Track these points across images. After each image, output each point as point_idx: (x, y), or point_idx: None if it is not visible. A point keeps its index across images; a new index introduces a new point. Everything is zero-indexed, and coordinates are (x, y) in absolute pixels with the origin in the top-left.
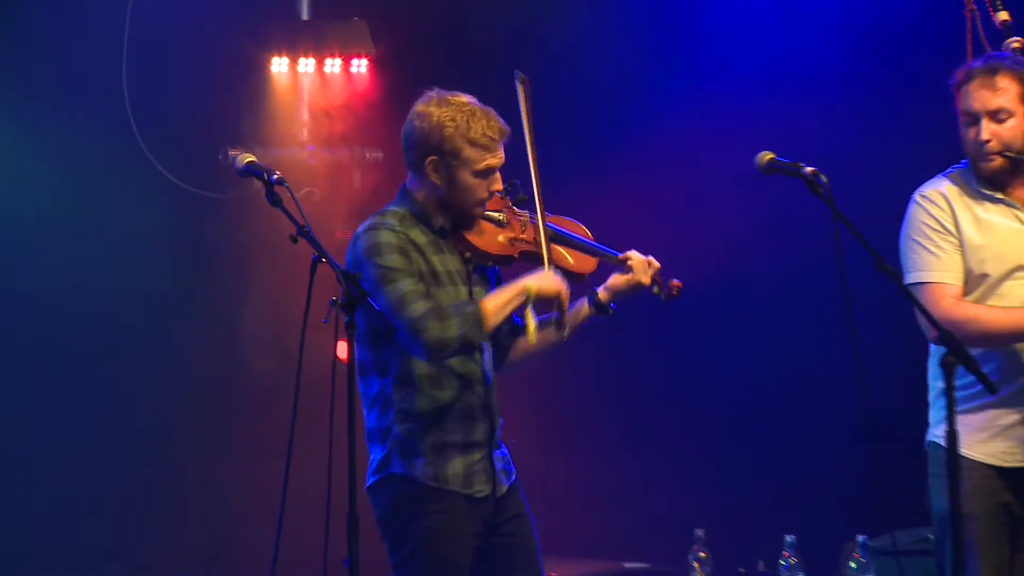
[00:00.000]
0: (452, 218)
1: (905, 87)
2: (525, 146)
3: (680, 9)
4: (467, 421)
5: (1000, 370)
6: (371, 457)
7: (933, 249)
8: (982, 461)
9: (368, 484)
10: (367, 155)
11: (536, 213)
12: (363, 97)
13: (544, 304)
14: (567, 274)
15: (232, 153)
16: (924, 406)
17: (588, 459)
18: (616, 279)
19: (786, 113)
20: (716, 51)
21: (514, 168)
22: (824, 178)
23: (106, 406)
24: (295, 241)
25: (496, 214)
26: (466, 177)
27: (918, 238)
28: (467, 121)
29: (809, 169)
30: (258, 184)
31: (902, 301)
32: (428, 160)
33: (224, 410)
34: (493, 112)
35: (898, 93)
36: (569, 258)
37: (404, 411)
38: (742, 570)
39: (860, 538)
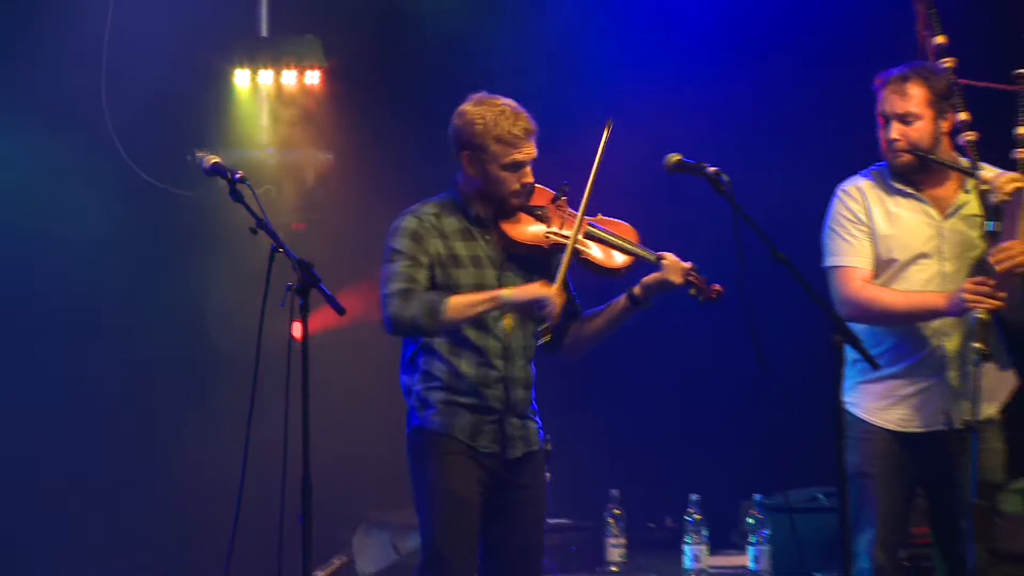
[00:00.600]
0: (493, 208)
1: (841, 92)
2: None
3: (611, 12)
4: (480, 387)
5: (899, 345)
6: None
7: (847, 237)
8: (883, 427)
9: (408, 431)
10: (319, 156)
11: (578, 215)
12: (316, 105)
13: (525, 311)
14: (595, 267)
15: (199, 154)
16: (814, 379)
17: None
18: (649, 277)
19: (710, 115)
20: (637, 47)
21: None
22: (726, 177)
23: (81, 389)
24: (255, 233)
25: (537, 209)
26: (495, 170)
27: (835, 227)
28: (495, 119)
29: (712, 169)
30: (222, 182)
31: (795, 283)
32: (463, 154)
33: (190, 385)
34: (524, 112)
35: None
36: (600, 253)
37: (425, 373)
38: (652, 525)
39: (757, 497)
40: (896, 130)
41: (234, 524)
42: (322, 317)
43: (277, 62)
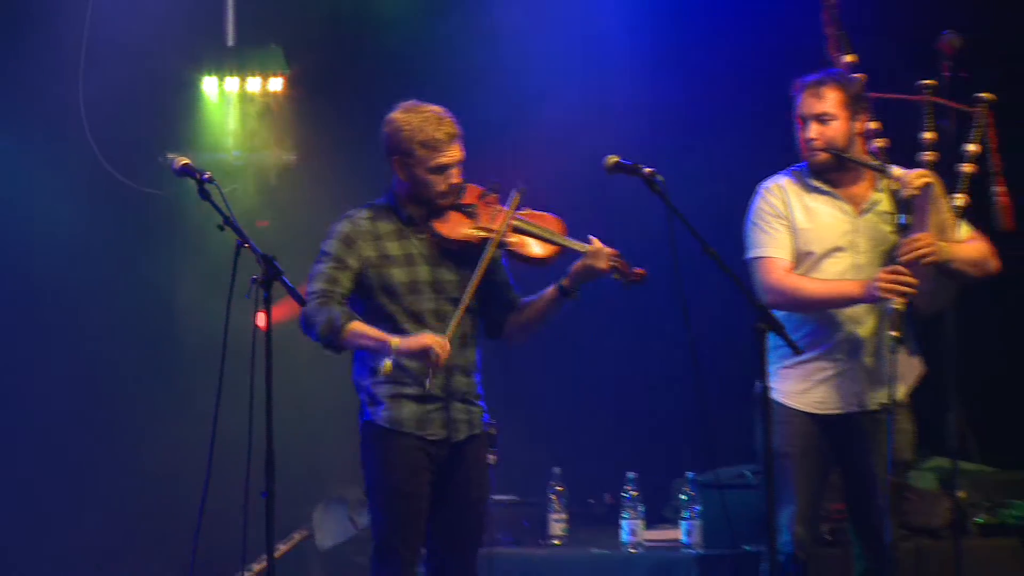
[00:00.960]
0: (424, 209)
1: (760, 97)
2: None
3: (542, 17)
4: (422, 377)
5: (816, 332)
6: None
7: (769, 230)
8: (801, 410)
9: (359, 423)
10: (282, 158)
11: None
12: (279, 109)
13: (413, 359)
14: (524, 259)
15: (170, 156)
16: (740, 363)
17: None
18: (576, 265)
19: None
20: (567, 49)
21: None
22: (660, 177)
23: (57, 377)
24: (222, 229)
25: (468, 207)
26: (422, 173)
27: (758, 222)
28: (420, 125)
29: (648, 170)
30: (191, 182)
31: (724, 276)
32: (393, 159)
33: (161, 371)
34: (448, 117)
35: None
36: (532, 245)
37: (372, 368)
38: (591, 501)
39: (689, 474)
40: (814, 130)
41: (202, 501)
42: (284, 307)
43: (242, 70)
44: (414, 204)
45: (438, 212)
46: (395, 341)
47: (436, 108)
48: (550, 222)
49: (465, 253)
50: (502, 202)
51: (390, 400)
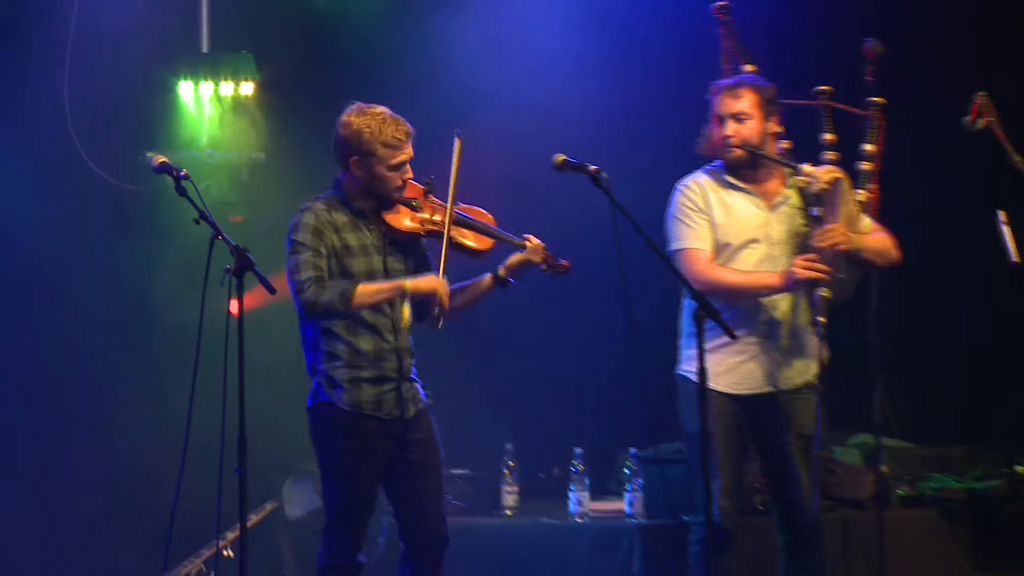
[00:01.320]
0: (375, 202)
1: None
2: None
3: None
4: (378, 361)
5: (734, 317)
6: (312, 385)
7: (690, 224)
8: (721, 391)
9: (307, 406)
10: (252, 156)
11: (447, 203)
12: (250, 112)
13: (423, 299)
14: (467, 250)
15: (149, 155)
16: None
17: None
18: (512, 258)
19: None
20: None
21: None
22: (605, 175)
23: (41, 360)
24: (198, 223)
25: (412, 200)
26: (382, 171)
27: (679, 216)
28: (380, 127)
29: (593, 167)
30: (169, 179)
31: (663, 267)
32: (352, 159)
33: (141, 354)
34: (401, 119)
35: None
36: (470, 238)
37: (328, 353)
38: (542, 475)
39: (632, 450)
40: (730, 128)
41: (179, 476)
42: (256, 296)
43: (216, 75)
44: (365, 198)
45: (387, 206)
46: (407, 283)
47: (385, 109)
48: (484, 216)
49: (410, 243)
50: (438, 196)
51: (349, 384)
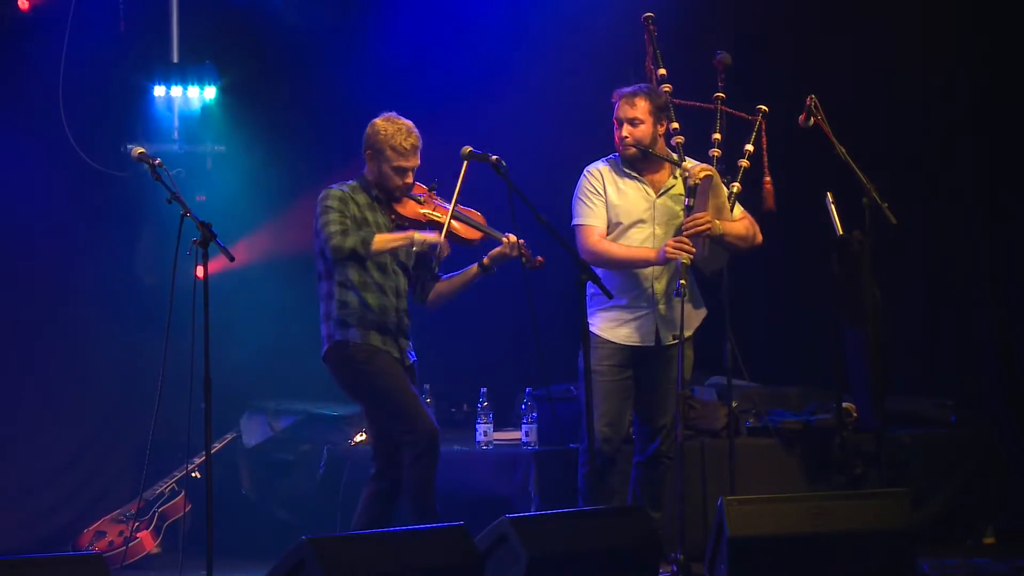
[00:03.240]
0: (385, 193)
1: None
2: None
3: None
4: (383, 313)
5: (623, 284)
6: (322, 334)
7: (588, 204)
8: (612, 340)
9: (323, 350)
10: (215, 148)
11: (450, 204)
12: (212, 111)
13: (426, 247)
14: (459, 239)
15: (129, 146)
16: (569, 306)
17: None
18: (496, 251)
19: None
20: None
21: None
22: (503, 163)
23: (31, 321)
24: (169, 203)
25: (419, 196)
26: (387, 169)
27: (581, 197)
28: (394, 133)
29: (494, 157)
30: (146, 166)
31: (554, 239)
32: (367, 152)
33: (122, 310)
34: (416, 132)
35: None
36: (461, 230)
37: (341, 302)
38: (453, 410)
39: (527, 389)
40: (626, 130)
41: (156, 409)
42: (217, 262)
43: (184, 80)
44: (379, 188)
45: (393, 199)
46: (415, 236)
47: (408, 123)
48: (477, 215)
49: (413, 229)
50: (440, 195)
51: (360, 327)
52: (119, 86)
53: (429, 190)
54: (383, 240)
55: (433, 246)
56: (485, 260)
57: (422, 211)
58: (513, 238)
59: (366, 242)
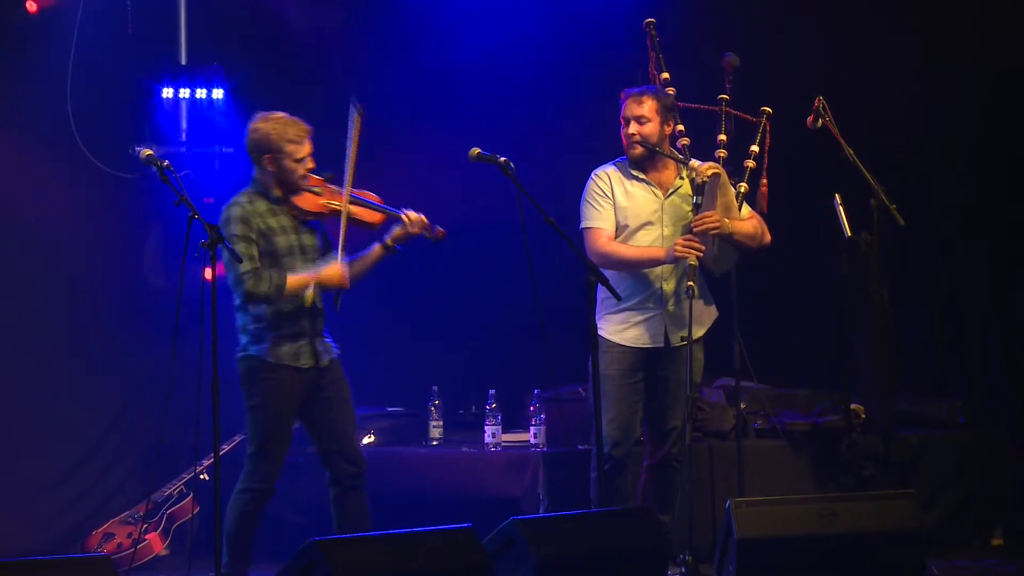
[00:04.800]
0: (285, 190)
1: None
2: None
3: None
4: (295, 321)
5: (632, 286)
6: (241, 342)
7: (597, 207)
8: (620, 343)
9: (236, 358)
10: (222, 149)
11: (344, 189)
12: (221, 113)
13: (332, 285)
14: (362, 224)
15: (137, 148)
16: (578, 309)
17: (371, 344)
18: (397, 230)
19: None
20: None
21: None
22: (511, 165)
23: (42, 319)
24: (178, 205)
25: (315, 188)
26: (291, 163)
27: (589, 200)
28: (284, 128)
29: (502, 159)
30: (154, 168)
31: (562, 241)
32: (265, 157)
33: (132, 311)
34: (299, 119)
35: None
36: (363, 214)
37: (255, 315)
38: (461, 411)
39: (536, 391)
40: (633, 128)
41: (163, 411)
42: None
43: (192, 82)
44: (278, 188)
45: (295, 192)
46: (322, 277)
47: (284, 114)
48: (373, 196)
49: (316, 223)
50: (336, 184)
51: (273, 341)
52: (127, 88)
53: (324, 181)
54: (293, 284)
55: (339, 283)
56: (388, 240)
57: (322, 202)
58: (413, 215)
59: (280, 288)
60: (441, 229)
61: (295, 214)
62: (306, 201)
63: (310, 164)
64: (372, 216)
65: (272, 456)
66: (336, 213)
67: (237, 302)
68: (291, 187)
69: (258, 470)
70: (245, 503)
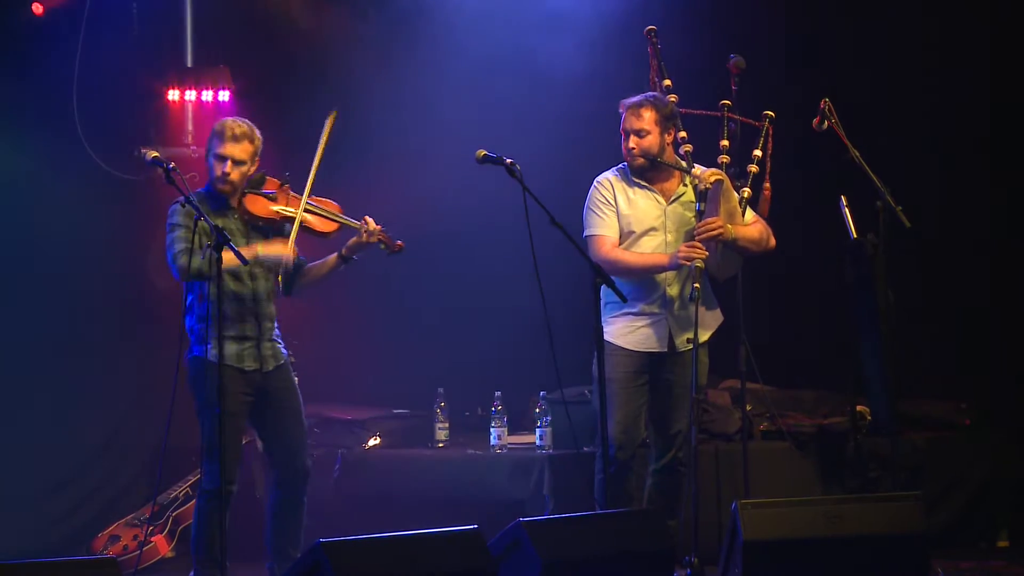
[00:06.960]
0: (217, 189)
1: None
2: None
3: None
4: (239, 322)
5: (637, 291)
6: (188, 343)
7: (600, 214)
8: (625, 347)
9: (184, 359)
10: None
11: (302, 196)
12: (226, 115)
13: (271, 262)
14: (315, 233)
15: (143, 150)
16: (583, 311)
17: (377, 346)
18: (352, 240)
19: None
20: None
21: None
22: (518, 167)
23: (48, 318)
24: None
25: (269, 192)
26: (209, 158)
27: (592, 207)
28: (219, 127)
29: (508, 160)
30: (160, 170)
31: (567, 244)
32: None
33: (134, 312)
34: (240, 123)
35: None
36: (316, 223)
37: (200, 316)
38: (467, 413)
39: (541, 393)
40: (633, 141)
41: (168, 413)
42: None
43: (198, 85)
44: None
45: (228, 193)
46: (259, 248)
47: (240, 120)
48: (331, 205)
49: (268, 228)
50: (294, 189)
51: (215, 341)
52: (133, 90)
53: (281, 185)
54: (228, 258)
55: (278, 259)
56: (344, 251)
57: (274, 208)
58: (371, 224)
59: (212, 261)
60: (400, 242)
61: (247, 218)
62: (257, 205)
63: (227, 167)
64: (326, 226)
65: (218, 456)
66: (289, 220)
67: (183, 297)
68: (213, 186)
69: (208, 471)
70: (200, 506)
